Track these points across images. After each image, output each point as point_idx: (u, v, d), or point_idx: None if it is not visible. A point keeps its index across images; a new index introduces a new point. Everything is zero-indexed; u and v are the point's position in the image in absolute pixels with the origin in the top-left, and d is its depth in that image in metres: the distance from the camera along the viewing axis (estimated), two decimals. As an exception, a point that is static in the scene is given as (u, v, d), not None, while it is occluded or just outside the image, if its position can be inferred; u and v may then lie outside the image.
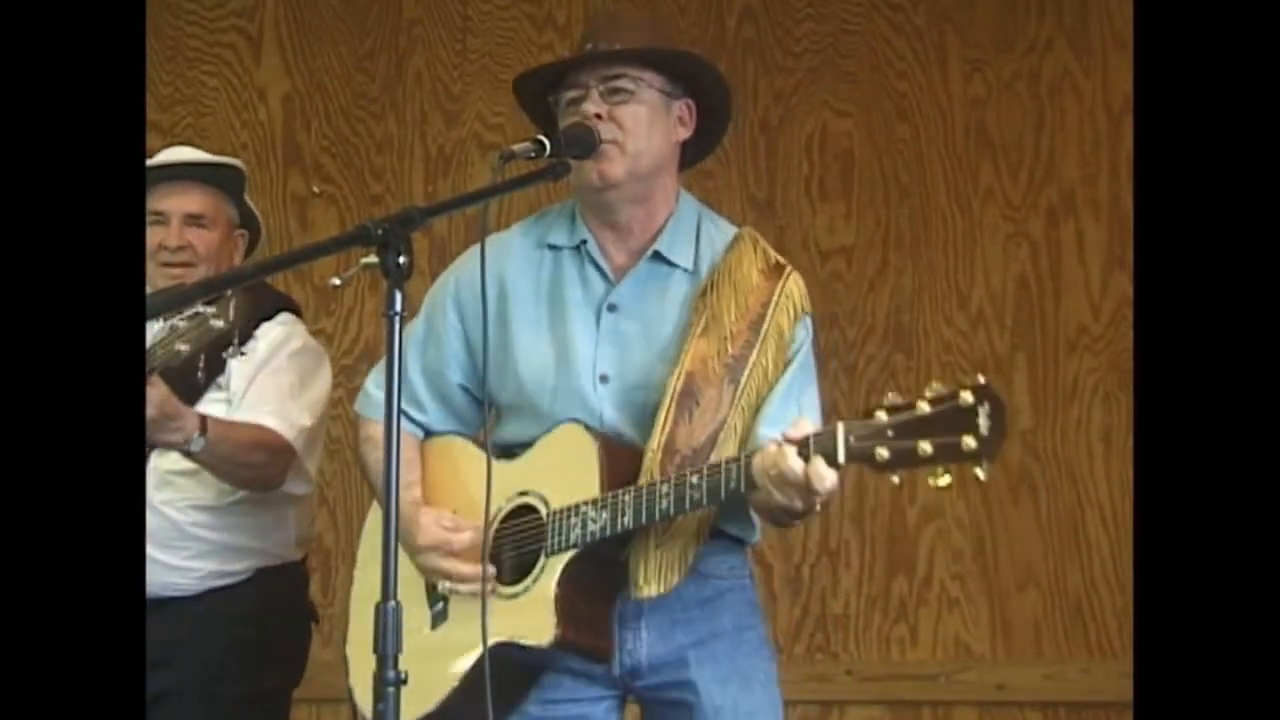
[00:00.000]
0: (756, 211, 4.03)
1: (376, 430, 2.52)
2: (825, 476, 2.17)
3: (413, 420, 2.65)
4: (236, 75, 4.42)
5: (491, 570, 2.45)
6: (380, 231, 2.07)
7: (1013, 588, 4.00)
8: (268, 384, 2.99)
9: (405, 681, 1.99)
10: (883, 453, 2.11)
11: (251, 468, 2.92)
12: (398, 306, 2.06)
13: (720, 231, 2.61)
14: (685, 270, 2.55)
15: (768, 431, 2.39)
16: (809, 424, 2.25)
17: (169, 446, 2.80)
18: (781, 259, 2.58)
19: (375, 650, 2.00)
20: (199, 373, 2.79)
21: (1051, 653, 3.98)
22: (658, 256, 2.56)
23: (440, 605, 2.55)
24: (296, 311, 3.19)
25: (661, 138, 2.53)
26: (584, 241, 2.57)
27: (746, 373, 2.46)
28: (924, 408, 2.08)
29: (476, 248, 2.51)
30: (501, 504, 2.50)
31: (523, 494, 2.49)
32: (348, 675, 2.59)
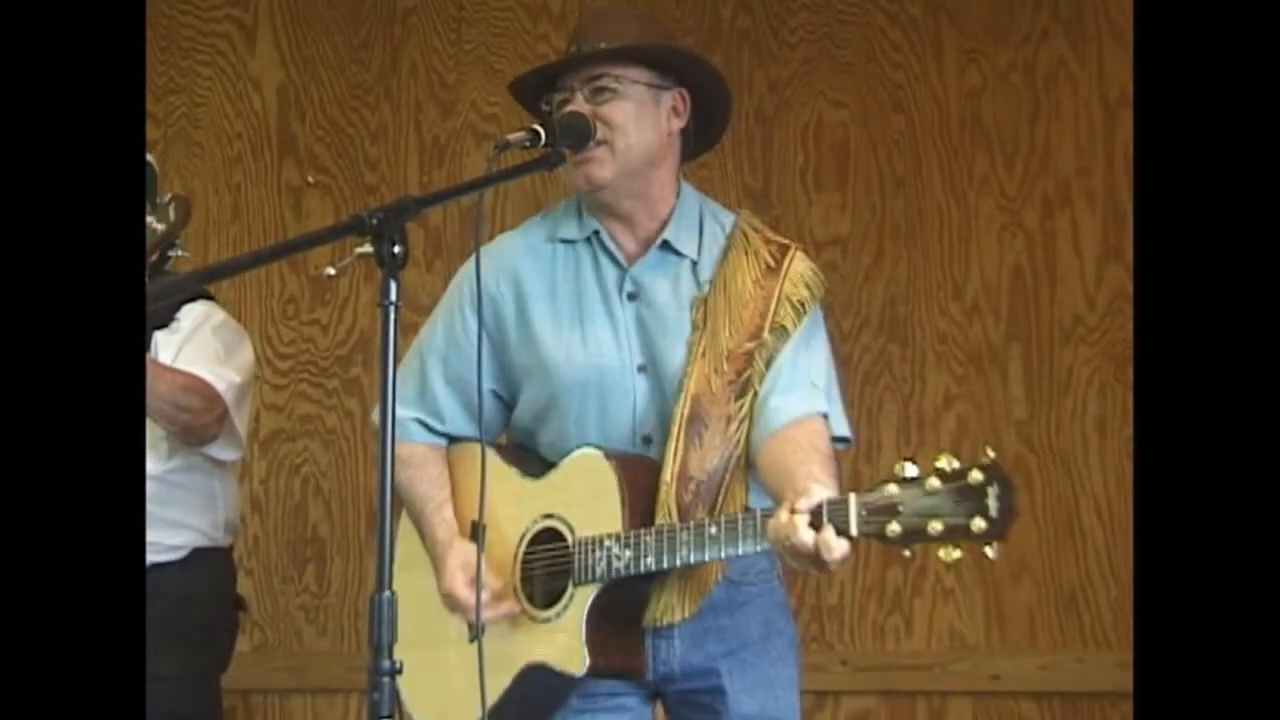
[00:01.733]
0: (752, 202, 4.01)
1: (405, 450, 2.59)
2: (835, 548, 2.18)
3: (433, 431, 2.67)
4: (231, 65, 4.41)
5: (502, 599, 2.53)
6: (375, 221, 2.07)
7: (1007, 578, 3.99)
8: (195, 350, 3.12)
9: (400, 671, 1.98)
10: (894, 528, 2.15)
11: (187, 411, 3.03)
12: (393, 296, 2.05)
13: (720, 223, 2.62)
14: (692, 260, 2.58)
15: (778, 402, 2.46)
16: (820, 492, 2.22)
17: None
18: (782, 242, 2.59)
19: (370, 641, 2.00)
20: None
21: (1046, 643, 3.98)
22: (666, 246, 2.58)
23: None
24: (213, 300, 3.31)
25: (651, 131, 2.54)
26: (596, 232, 2.59)
27: (750, 389, 2.49)
28: (934, 484, 2.10)
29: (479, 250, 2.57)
30: (527, 524, 2.55)
31: (548, 516, 2.53)
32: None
